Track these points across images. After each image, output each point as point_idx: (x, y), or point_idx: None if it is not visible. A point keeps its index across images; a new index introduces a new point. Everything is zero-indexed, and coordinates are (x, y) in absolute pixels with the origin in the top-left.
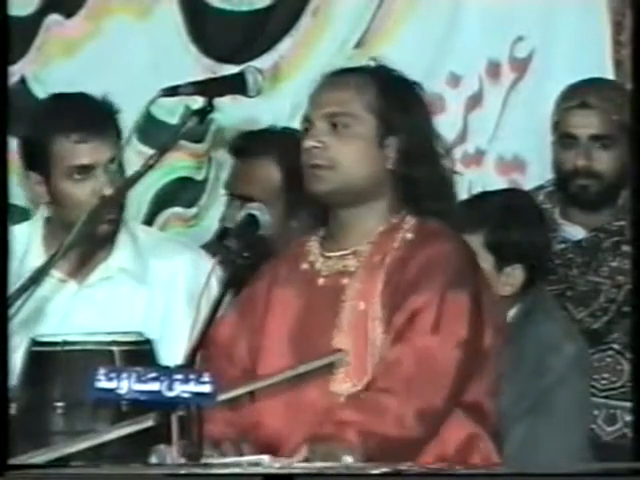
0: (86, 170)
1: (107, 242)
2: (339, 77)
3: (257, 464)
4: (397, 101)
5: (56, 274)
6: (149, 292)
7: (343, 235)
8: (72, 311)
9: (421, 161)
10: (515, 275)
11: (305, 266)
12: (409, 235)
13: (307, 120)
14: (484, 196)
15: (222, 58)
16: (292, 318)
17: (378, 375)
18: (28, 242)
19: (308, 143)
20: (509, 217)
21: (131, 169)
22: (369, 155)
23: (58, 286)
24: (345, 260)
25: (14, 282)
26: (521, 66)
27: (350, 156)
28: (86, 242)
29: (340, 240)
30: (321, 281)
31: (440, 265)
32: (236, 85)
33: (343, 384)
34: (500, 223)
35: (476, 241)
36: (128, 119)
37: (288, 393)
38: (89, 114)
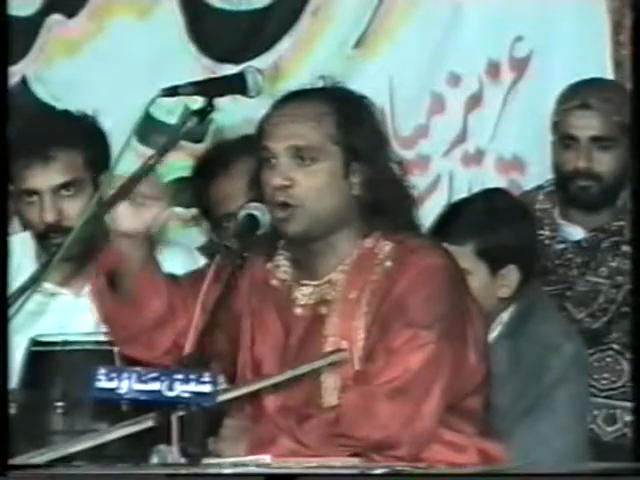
0: (32, 194)
1: (99, 250)
2: (295, 105)
3: (257, 464)
4: (357, 126)
5: (48, 287)
6: None
7: (314, 264)
8: (69, 321)
9: (384, 181)
10: (510, 276)
11: (275, 282)
12: (388, 263)
13: (267, 149)
14: (465, 203)
15: (222, 58)
16: (278, 345)
17: None
18: (21, 255)
19: (275, 181)
20: (494, 220)
21: (131, 169)
22: (336, 187)
23: (51, 298)
24: (321, 289)
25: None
26: (521, 66)
27: (318, 192)
28: (79, 252)
29: (312, 269)
30: (299, 311)
31: (421, 303)
32: (236, 85)
33: None
34: (486, 228)
35: (467, 251)
36: (128, 119)
37: None
38: (43, 137)
